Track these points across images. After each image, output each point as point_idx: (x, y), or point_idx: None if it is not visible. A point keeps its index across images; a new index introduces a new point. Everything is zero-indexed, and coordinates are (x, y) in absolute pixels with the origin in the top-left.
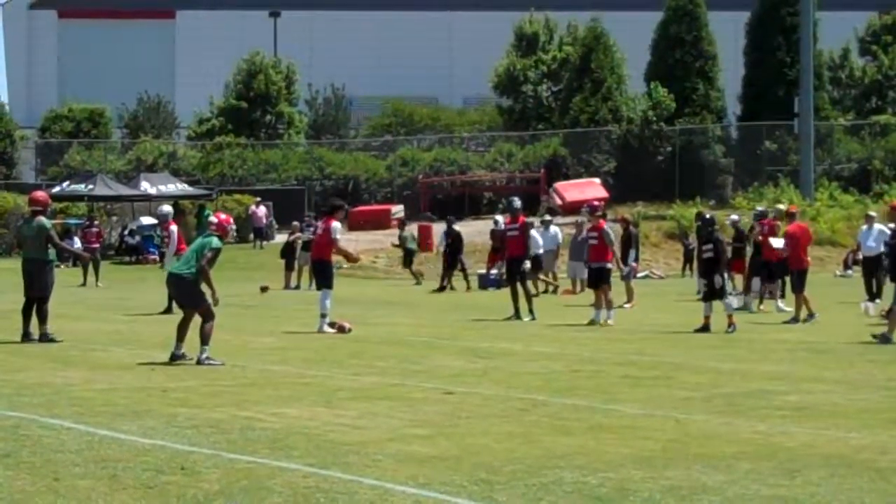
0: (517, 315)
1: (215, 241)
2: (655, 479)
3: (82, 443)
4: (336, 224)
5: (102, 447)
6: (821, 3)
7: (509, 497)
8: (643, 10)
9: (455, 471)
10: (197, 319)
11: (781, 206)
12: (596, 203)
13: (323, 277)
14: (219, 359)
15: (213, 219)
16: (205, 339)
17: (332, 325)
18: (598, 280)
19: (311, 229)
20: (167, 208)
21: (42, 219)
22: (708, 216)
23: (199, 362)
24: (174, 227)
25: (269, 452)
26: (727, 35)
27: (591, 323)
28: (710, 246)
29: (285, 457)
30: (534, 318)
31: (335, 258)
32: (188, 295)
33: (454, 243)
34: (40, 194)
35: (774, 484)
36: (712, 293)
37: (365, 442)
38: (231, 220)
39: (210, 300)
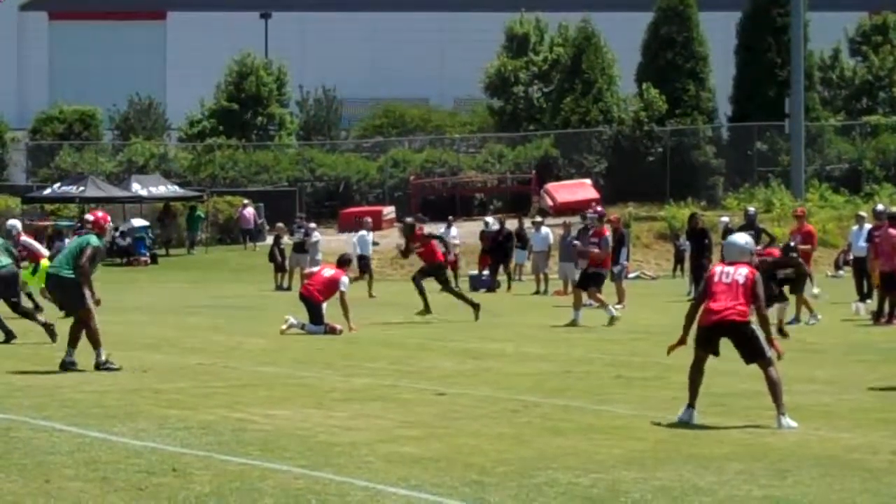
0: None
1: (94, 240)
2: (647, 480)
3: (73, 445)
4: (345, 278)
5: (94, 449)
6: (811, 3)
7: (501, 498)
8: (634, 10)
9: (446, 472)
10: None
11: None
12: (602, 209)
13: (314, 316)
14: (116, 362)
15: (89, 217)
16: (95, 342)
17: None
18: (589, 282)
19: (302, 231)
20: (14, 222)
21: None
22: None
23: (97, 367)
24: (27, 239)
25: (261, 454)
26: (718, 35)
27: (572, 324)
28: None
29: (277, 458)
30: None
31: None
32: (69, 297)
33: (505, 242)
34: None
35: (766, 484)
36: None
37: (356, 443)
38: (108, 219)
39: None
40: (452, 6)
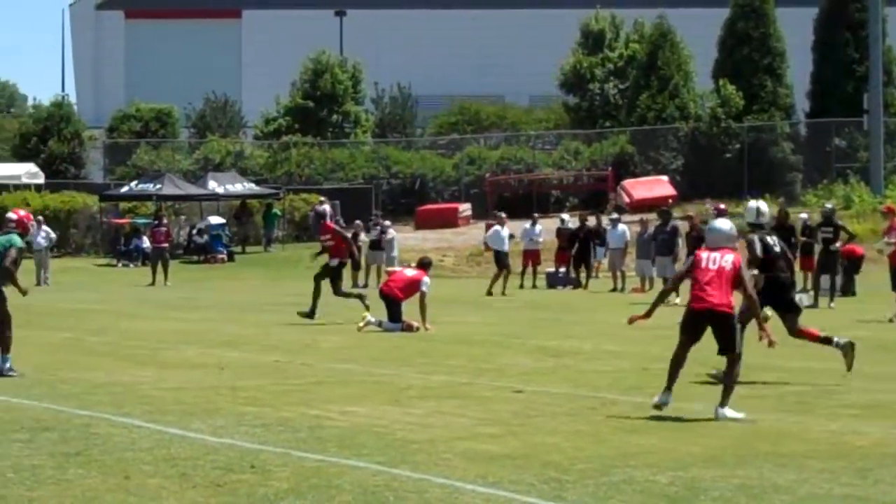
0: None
1: (17, 240)
2: (726, 478)
3: (152, 441)
4: (427, 279)
5: (172, 445)
6: None
7: (579, 496)
8: (710, 6)
9: (524, 469)
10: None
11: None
12: (723, 206)
13: (393, 313)
14: (17, 370)
15: (11, 215)
16: (6, 346)
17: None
18: None
19: (378, 229)
20: None
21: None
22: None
23: (0, 373)
24: None
25: (338, 451)
26: (795, 31)
27: None
28: None
29: (354, 455)
30: None
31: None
32: None
33: (585, 240)
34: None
35: (846, 483)
36: None
37: (434, 440)
38: (31, 217)
39: (20, 292)
40: (528, 3)
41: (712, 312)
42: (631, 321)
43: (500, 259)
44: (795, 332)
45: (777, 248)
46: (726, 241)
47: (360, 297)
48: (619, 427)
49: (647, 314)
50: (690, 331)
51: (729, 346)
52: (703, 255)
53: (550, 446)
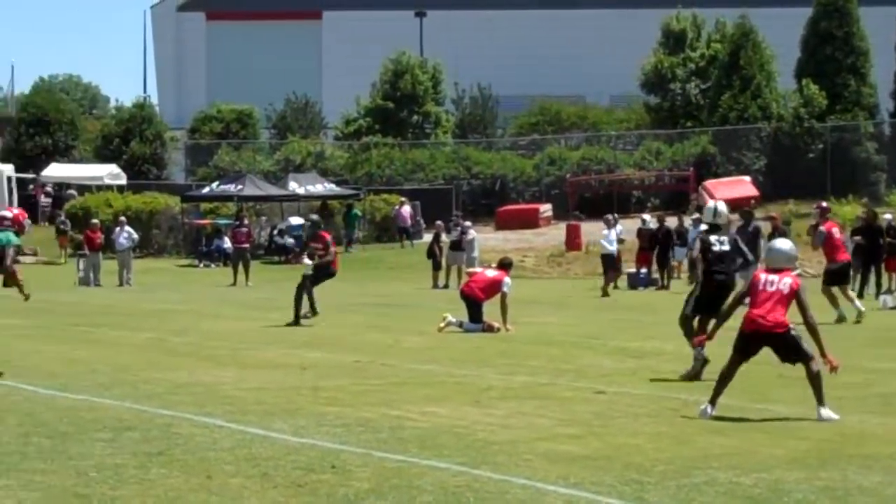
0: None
1: (14, 238)
2: (810, 480)
3: (234, 441)
4: (508, 279)
5: (254, 445)
6: None
7: (660, 497)
8: (793, 6)
9: (606, 471)
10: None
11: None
12: (825, 205)
13: (474, 314)
14: None
15: (6, 213)
16: None
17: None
18: (833, 279)
19: (459, 229)
20: None
21: None
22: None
23: None
24: None
25: (419, 451)
26: (879, 30)
27: (840, 320)
28: None
29: (435, 456)
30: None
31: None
32: None
33: (664, 240)
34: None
35: None
36: None
37: (515, 441)
38: (26, 215)
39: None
40: (609, 3)
41: (767, 336)
42: (694, 345)
43: (607, 262)
44: (700, 331)
45: (720, 248)
46: (786, 261)
47: (312, 306)
48: (701, 428)
49: (710, 335)
50: (743, 350)
51: (797, 357)
52: (762, 276)
53: (632, 447)
